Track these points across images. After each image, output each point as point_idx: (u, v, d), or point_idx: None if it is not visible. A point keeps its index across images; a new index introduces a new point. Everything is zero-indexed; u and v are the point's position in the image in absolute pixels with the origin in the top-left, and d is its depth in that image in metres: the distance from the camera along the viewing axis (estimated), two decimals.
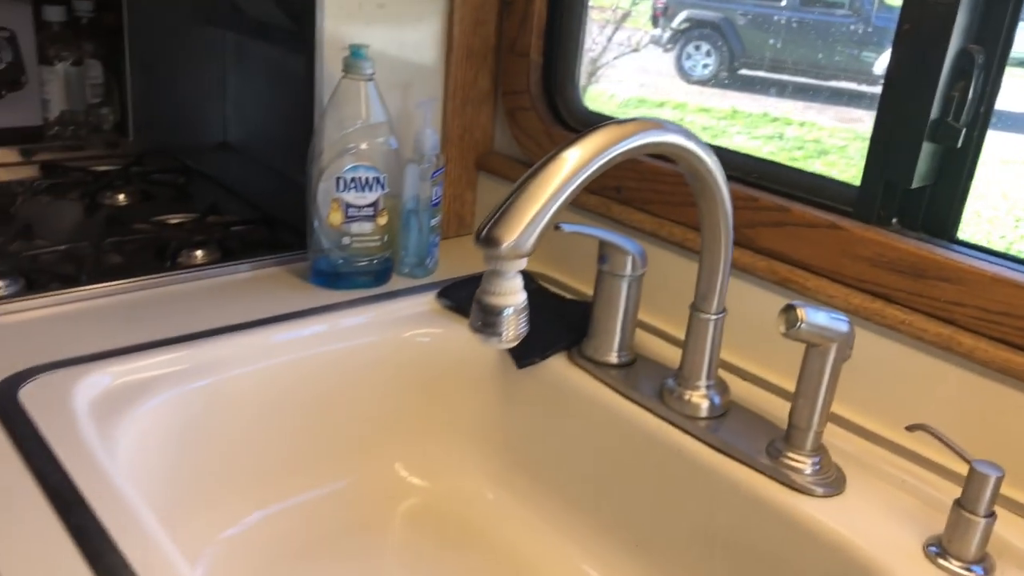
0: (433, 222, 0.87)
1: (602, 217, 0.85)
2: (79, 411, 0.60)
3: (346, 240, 0.82)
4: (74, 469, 0.53)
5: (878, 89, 0.65)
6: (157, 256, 0.92)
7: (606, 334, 0.74)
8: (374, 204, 0.81)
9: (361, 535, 0.75)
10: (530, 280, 0.88)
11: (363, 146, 0.80)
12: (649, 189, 0.81)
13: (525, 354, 0.77)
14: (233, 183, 1.16)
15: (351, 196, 0.80)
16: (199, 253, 0.91)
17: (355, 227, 0.81)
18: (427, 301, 0.84)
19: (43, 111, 1.18)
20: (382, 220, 0.82)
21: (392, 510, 0.78)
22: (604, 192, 0.84)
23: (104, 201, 1.07)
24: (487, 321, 0.48)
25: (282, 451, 0.74)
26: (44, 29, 1.17)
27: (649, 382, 0.72)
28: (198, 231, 0.95)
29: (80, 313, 0.75)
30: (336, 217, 0.81)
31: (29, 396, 0.60)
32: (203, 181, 1.17)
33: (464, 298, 0.83)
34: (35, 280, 0.83)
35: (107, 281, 0.80)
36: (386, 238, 0.84)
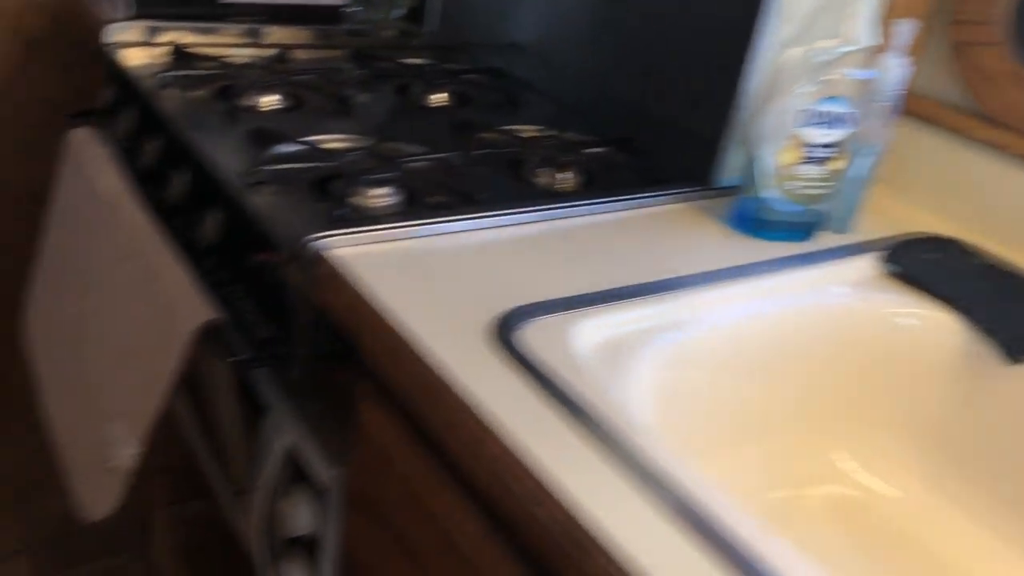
0: (873, 171, 0.74)
1: None
2: (588, 361, 0.50)
3: (790, 184, 0.69)
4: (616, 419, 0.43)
5: None
6: (512, 172, 0.81)
7: None
8: (836, 145, 0.68)
9: (780, 508, 0.65)
10: (971, 255, 0.75)
11: (836, 75, 0.66)
12: None
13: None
14: (550, 91, 1.03)
15: (815, 133, 0.67)
16: (566, 176, 0.80)
17: (804, 169, 0.69)
18: (866, 265, 0.71)
19: None
20: (836, 164, 0.69)
21: (814, 491, 0.68)
22: None
23: (422, 102, 0.96)
24: None
25: (734, 409, 0.64)
26: None
27: None
28: (558, 149, 0.83)
29: (503, 242, 0.64)
30: (790, 156, 0.68)
31: (533, 339, 0.51)
32: (516, 86, 1.04)
33: (918, 267, 0.70)
34: (415, 190, 0.73)
35: (511, 207, 0.69)
36: (833, 187, 0.71)
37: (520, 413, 0.45)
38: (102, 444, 0.67)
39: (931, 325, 0.67)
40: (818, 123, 0.67)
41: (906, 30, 0.70)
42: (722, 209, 0.75)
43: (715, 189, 0.78)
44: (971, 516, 0.67)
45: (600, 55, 0.98)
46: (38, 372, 0.84)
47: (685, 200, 0.77)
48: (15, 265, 1.16)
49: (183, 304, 0.63)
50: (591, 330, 0.54)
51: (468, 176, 0.76)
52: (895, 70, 0.70)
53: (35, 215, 1.14)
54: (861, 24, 0.66)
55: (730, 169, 0.77)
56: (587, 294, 0.57)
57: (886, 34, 0.70)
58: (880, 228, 0.77)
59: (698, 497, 0.41)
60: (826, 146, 0.68)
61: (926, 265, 0.70)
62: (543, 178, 0.80)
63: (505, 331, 0.51)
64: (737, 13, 0.74)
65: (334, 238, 0.58)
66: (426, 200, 0.72)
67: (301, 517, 0.70)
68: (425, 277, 0.56)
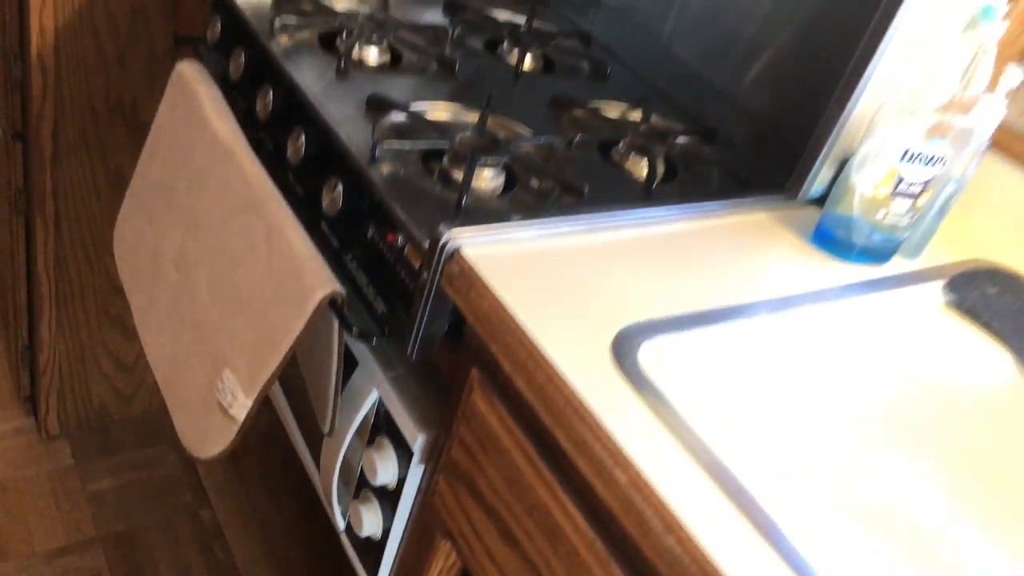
0: (954, 203, 0.77)
1: None
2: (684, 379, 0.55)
3: (881, 214, 0.73)
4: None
5: None
6: (603, 155, 0.84)
7: None
8: (927, 183, 0.72)
9: None
10: None
11: (942, 118, 0.69)
12: None
13: None
14: (636, 63, 1.04)
15: (911, 170, 0.71)
16: (643, 163, 0.83)
17: (895, 201, 0.72)
18: (929, 294, 0.76)
19: None
20: (924, 199, 0.73)
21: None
22: None
23: (516, 67, 0.97)
24: None
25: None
26: None
27: None
28: (646, 137, 0.86)
29: (607, 245, 0.68)
30: (884, 186, 0.72)
31: (646, 361, 0.56)
32: (602, 55, 1.05)
33: (977, 300, 0.75)
34: (516, 173, 0.76)
35: (612, 209, 0.72)
36: (915, 217, 0.74)
37: (647, 446, 0.50)
38: (213, 388, 0.72)
39: (982, 359, 0.72)
40: (919, 161, 0.70)
41: (1016, 75, 0.72)
42: (802, 221, 0.79)
43: (798, 202, 0.81)
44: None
45: (699, 35, 0.98)
46: (129, 292, 0.88)
47: (768, 209, 0.80)
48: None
49: (308, 273, 0.67)
50: (696, 352, 0.59)
51: (566, 161, 0.80)
52: (996, 112, 0.73)
53: (120, 126, 1.15)
54: (981, 71, 0.68)
55: (817, 181, 0.80)
56: (691, 315, 0.62)
57: (994, 78, 0.73)
58: (948, 255, 0.81)
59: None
60: (918, 183, 0.72)
61: (985, 299, 0.75)
62: (631, 165, 0.83)
63: (624, 354, 0.56)
64: (863, 25, 0.75)
65: (464, 235, 0.62)
66: (530, 185, 0.75)
67: (385, 468, 0.76)
68: (546, 287, 0.60)
